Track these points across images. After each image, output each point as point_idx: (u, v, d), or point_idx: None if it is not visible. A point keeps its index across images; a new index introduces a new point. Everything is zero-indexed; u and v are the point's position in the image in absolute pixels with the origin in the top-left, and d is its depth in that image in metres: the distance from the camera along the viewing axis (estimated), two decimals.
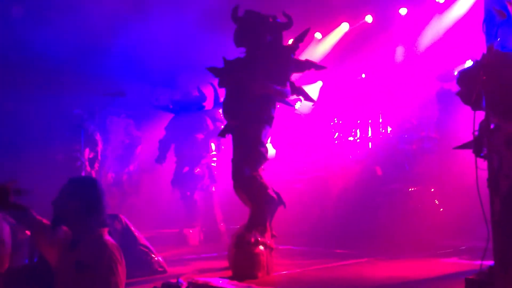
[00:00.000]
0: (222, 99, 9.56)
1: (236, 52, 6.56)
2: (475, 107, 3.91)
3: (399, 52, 11.14)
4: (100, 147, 10.68)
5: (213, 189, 10.17)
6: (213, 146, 10.25)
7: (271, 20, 6.36)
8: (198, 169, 10.02)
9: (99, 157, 10.86)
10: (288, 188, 9.73)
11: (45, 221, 3.20)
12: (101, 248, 3.10)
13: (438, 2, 10.65)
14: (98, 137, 10.57)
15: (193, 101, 10.20)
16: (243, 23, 6.30)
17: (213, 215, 9.97)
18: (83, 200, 3.18)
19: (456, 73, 4.38)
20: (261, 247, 5.99)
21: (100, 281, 3.04)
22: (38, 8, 9.75)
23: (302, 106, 11.36)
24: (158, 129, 12.39)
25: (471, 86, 3.88)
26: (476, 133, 3.91)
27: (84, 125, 7.70)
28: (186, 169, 10.10)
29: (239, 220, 6.76)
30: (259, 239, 5.99)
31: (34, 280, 4.58)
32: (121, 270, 3.12)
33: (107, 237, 3.21)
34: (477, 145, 3.83)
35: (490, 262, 4.30)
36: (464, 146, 4.38)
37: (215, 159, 10.27)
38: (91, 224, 3.19)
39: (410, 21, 11.04)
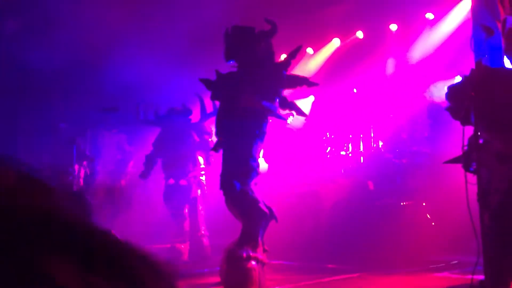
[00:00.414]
0: (208, 111, 9.70)
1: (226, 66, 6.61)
2: (464, 122, 3.96)
3: (390, 64, 11.26)
4: (90, 162, 10.63)
5: (199, 204, 9.97)
6: (201, 159, 10.12)
7: (256, 30, 6.42)
8: (184, 182, 9.87)
9: (88, 172, 10.79)
10: (281, 202, 9.70)
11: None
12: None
13: (428, 18, 10.81)
14: (88, 152, 10.52)
15: (178, 115, 10.10)
16: (230, 38, 6.36)
17: (197, 229, 9.79)
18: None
19: (445, 88, 4.43)
20: (253, 262, 5.96)
21: None
22: (30, 22, 9.80)
23: (294, 120, 11.41)
24: (150, 145, 12.38)
25: (460, 102, 3.94)
26: (465, 148, 3.94)
27: (75, 140, 7.64)
28: (171, 181, 9.97)
29: (231, 235, 6.73)
30: (251, 254, 5.96)
31: None
32: None
33: None
34: (466, 160, 3.86)
35: (481, 277, 4.31)
36: (453, 161, 4.42)
37: (203, 172, 10.14)
38: None
39: (401, 37, 11.19)
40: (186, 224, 9.90)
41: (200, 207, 9.95)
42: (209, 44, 8.99)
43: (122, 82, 10.49)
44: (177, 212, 9.91)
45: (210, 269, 7.76)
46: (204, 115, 9.88)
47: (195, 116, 10.20)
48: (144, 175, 10.15)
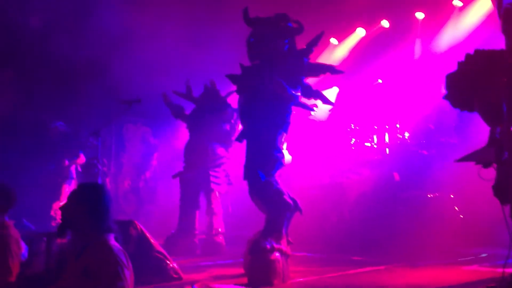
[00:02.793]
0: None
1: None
2: (464, 108, 3.85)
3: (417, 52, 11.02)
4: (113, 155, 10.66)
5: (217, 194, 9.50)
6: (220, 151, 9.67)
7: (282, 25, 6.32)
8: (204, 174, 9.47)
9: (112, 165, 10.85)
10: (305, 195, 9.60)
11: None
12: (107, 253, 3.10)
13: (455, 6, 10.54)
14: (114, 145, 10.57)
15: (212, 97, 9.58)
16: (255, 33, 6.28)
17: (210, 223, 9.36)
18: (88, 206, 3.21)
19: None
20: (277, 254, 5.92)
21: (107, 286, 3.02)
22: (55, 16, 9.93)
23: (318, 111, 11.27)
24: (174, 137, 12.44)
25: (458, 89, 3.85)
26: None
27: (99, 133, 7.68)
28: (187, 171, 9.60)
29: (255, 227, 6.70)
30: (275, 245, 5.92)
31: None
32: (129, 275, 3.10)
33: (113, 242, 3.22)
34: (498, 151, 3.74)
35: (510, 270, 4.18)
36: (466, 159, 4.31)
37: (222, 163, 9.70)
38: (97, 229, 3.20)
39: (427, 25, 10.95)
40: (196, 218, 9.46)
41: (214, 202, 9.42)
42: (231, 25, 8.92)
43: (144, 72, 10.56)
44: (189, 204, 9.49)
45: (234, 260, 7.76)
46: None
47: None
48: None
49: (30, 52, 10.63)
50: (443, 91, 4.41)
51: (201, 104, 9.67)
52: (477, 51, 3.94)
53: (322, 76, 6.65)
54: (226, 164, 9.76)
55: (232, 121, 9.59)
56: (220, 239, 9.33)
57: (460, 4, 10.46)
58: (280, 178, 6.47)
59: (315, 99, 6.49)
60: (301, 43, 6.88)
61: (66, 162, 9.75)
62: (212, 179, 9.45)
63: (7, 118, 10.75)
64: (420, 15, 11.02)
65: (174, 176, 9.78)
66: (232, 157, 9.96)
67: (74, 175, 9.86)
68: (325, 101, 6.51)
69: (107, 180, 10.60)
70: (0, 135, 10.45)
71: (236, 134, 9.11)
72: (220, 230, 9.38)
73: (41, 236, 6.21)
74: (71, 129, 10.01)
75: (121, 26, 10.01)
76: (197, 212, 9.53)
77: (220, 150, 9.57)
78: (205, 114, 9.53)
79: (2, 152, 9.87)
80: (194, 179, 9.44)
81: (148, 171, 12.81)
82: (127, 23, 10.13)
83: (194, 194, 9.49)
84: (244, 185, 6.41)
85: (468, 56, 3.96)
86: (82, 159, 9.84)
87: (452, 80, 4.07)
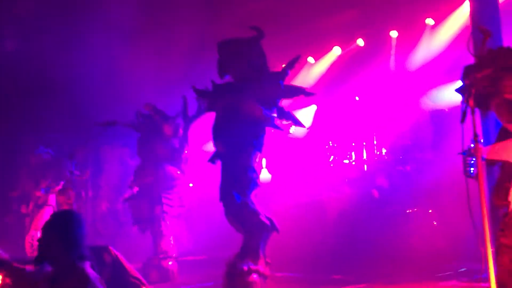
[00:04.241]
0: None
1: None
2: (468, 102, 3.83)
3: (392, 70, 11.17)
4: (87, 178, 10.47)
5: (160, 222, 9.13)
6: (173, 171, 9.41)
7: (245, 38, 6.37)
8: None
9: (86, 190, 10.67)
10: (284, 213, 9.60)
11: (22, 267, 3.26)
12: (83, 281, 3.05)
13: (428, 24, 10.74)
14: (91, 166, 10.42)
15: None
16: (221, 53, 6.31)
17: (157, 251, 9.03)
18: (62, 234, 3.17)
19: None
20: (255, 276, 5.86)
21: None
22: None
23: (296, 130, 11.33)
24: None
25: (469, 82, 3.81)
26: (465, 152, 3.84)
27: (74, 155, 7.60)
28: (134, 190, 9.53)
29: (232, 248, 6.62)
30: (252, 267, 5.86)
31: None
32: None
33: (89, 270, 3.16)
34: (465, 165, 3.76)
35: (488, 285, 4.18)
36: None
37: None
38: (72, 258, 3.16)
39: (401, 43, 11.13)
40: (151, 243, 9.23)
41: (163, 226, 9.10)
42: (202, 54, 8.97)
43: (118, 96, 10.52)
44: (140, 227, 9.32)
45: (215, 282, 7.64)
46: (187, 119, 9.44)
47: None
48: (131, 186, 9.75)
49: (5, 74, 10.52)
50: (459, 82, 4.36)
51: (143, 130, 9.52)
52: (500, 48, 3.92)
53: (296, 98, 6.71)
54: (179, 183, 9.50)
55: (179, 136, 9.41)
56: (169, 264, 8.96)
57: (432, 22, 10.67)
58: (258, 198, 6.44)
59: (287, 120, 6.52)
60: (277, 62, 6.94)
61: (42, 191, 9.55)
62: (164, 200, 9.19)
63: None
64: (394, 34, 11.21)
65: (125, 200, 9.65)
66: (186, 177, 9.72)
67: (53, 203, 9.66)
68: (297, 123, 6.56)
69: (83, 204, 10.40)
70: None
71: (185, 149, 9.06)
72: (169, 253, 9.02)
73: (17, 263, 6.05)
74: (53, 157, 9.82)
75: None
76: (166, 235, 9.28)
77: (172, 171, 9.35)
78: (149, 137, 9.36)
79: None
80: (147, 203, 9.22)
81: (127, 193, 12.65)
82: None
83: (150, 217, 9.21)
84: (219, 205, 6.35)
85: (490, 51, 3.94)
86: (69, 191, 9.59)
87: (470, 73, 4.02)
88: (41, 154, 9.71)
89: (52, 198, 9.61)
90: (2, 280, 5.69)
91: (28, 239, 9.04)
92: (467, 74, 3.99)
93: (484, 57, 3.92)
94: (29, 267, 5.42)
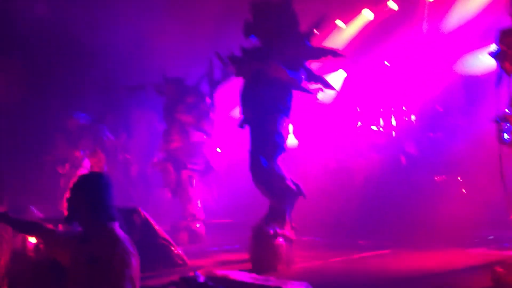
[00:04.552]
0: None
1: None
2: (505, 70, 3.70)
3: (425, 29, 10.81)
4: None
5: (194, 181, 9.42)
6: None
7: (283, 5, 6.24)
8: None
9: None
10: (311, 179, 9.61)
11: (52, 227, 3.34)
12: (113, 241, 3.10)
13: None
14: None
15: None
16: (253, 12, 6.20)
17: (186, 214, 9.31)
18: (90, 196, 3.22)
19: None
20: (281, 239, 5.92)
21: (114, 274, 3.03)
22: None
23: (324, 95, 11.19)
24: None
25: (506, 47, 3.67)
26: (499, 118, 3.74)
27: (105, 119, 7.72)
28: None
29: (258, 212, 6.68)
30: (278, 231, 5.92)
31: (57, 273, 4.63)
32: (135, 263, 3.11)
33: (119, 231, 3.22)
34: (499, 131, 3.67)
35: None
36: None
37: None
38: (101, 219, 3.21)
39: (435, 6, 10.74)
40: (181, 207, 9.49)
41: (190, 190, 9.35)
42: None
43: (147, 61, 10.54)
44: (170, 191, 9.57)
45: (241, 245, 7.78)
46: (213, 83, 9.54)
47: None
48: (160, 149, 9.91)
49: (37, 41, 10.65)
50: (493, 47, 4.20)
51: (168, 95, 9.63)
52: None
53: (324, 60, 6.54)
54: (206, 148, 9.64)
55: (206, 104, 9.44)
56: (197, 226, 9.20)
57: None
58: (286, 163, 6.45)
59: (316, 83, 6.39)
60: (304, 25, 6.79)
61: (81, 152, 9.78)
62: (189, 166, 9.37)
63: (15, 105, 10.81)
64: None
65: (154, 165, 9.79)
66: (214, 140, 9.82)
67: (88, 165, 9.88)
68: (326, 85, 6.44)
69: (132, 167, 10.60)
70: (8, 122, 10.51)
71: (212, 113, 9.05)
72: (197, 216, 9.25)
73: (48, 222, 6.26)
74: (89, 121, 10.00)
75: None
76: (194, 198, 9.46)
77: (198, 136, 9.45)
78: (173, 103, 9.46)
79: (8, 140, 9.93)
80: (174, 168, 9.42)
81: (155, 157, 12.82)
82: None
83: (177, 182, 9.43)
84: (247, 170, 6.38)
85: None
86: (99, 154, 9.80)
87: (506, 37, 3.89)
88: (78, 119, 9.91)
89: (87, 161, 9.86)
90: (37, 239, 5.92)
91: (63, 198, 9.33)
92: (503, 38, 3.85)
93: None
94: (61, 227, 5.61)
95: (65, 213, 3.49)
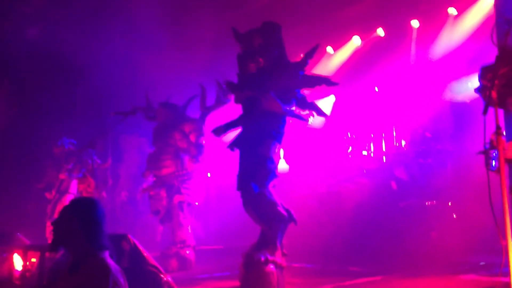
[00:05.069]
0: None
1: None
2: (489, 102, 3.78)
3: (413, 56, 10.99)
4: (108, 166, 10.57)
5: (177, 211, 9.25)
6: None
7: (265, 29, 6.32)
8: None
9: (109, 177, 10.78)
10: (302, 204, 9.58)
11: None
12: (103, 272, 2.99)
13: (450, 14, 10.54)
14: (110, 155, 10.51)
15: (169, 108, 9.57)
16: (243, 43, 6.29)
17: (175, 240, 9.16)
18: (80, 221, 3.09)
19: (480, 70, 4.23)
20: (272, 266, 5.86)
21: None
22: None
23: (315, 120, 11.25)
24: None
25: (488, 81, 3.77)
26: (487, 145, 3.78)
27: (95, 144, 7.67)
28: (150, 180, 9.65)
29: (249, 238, 6.63)
30: (269, 257, 5.86)
31: None
32: None
33: (110, 261, 3.11)
34: (487, 158, 3.69)
35: (508, 279, 4.13)
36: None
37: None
38: (92, 246, 3.09)
39: (423, 33, 10.95)
40: (158, 233, 9.43)
41: (181, 216, 9.21)
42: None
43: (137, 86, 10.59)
44: (158, 218, 9.40)
45: (231, 272, 7.69)
46: (205, 108, 9.51)
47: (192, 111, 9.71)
48: (143, 174, 9.77)
49: (26, 65, 10.66)
50: (476, 83, 4.32)
51: (161, 119, 9.62)
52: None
53: (318, 88, 6.61)
54: (197, 173, 9.61)
55: (196, 132, 9.43)
56: (187, 253, 9.07)
57: (455, 12, 10.46)
58: (276, 188, 6.43)
59: (310, 110, 6.44)
60: (297, 53, 6.88)
61: (64, 177, 9.66)
62: (183, 191, 9.29)
63: (3, 130, 10.74)
64: (415, 23, 11.03)
65: (144, 190, 9.73)
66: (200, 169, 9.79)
67: (74, 191, 9.78)
68: (320, 113, 6.48)
69: (103, 193, 10.50)
70: None
71: (202, 140, 9.07)
72: (187, 242, 9.13)
73: (34, 249, 6.17)
74: (75, 147, 9.92)
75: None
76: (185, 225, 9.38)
77: (191, 162, 9.39)
78: (167, 128, 9.43)
79: None
80: (166, 193, 9.34)
81: (145, 182, 12.77)
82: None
83: (168, 207, 9.33)
84: (237, 194, 6.35)
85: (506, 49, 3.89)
86: (89, 179, 9.68)
87: (487, 73, 3.99)
88: (63, 145, 9.82)
89: (73, 186, 9.74)
90: (24, 266, 5.81)
91: (48, 224, 9.19)
92: (484, 74, 3.95)
93: (500, 56, 3.87)
94: (48, 255, 5.50)
95: (50, 240, 3.35)
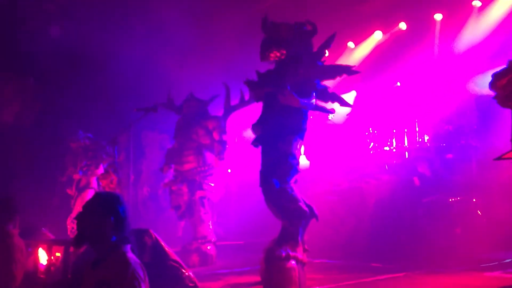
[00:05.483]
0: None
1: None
2: None
3: (437, 50, 10.82)
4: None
5: (198, 207, 9.29)
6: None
7: (296, 28, 6.25)
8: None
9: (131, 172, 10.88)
10: (323, 200, 9.53)
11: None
12: (124, 266, 3.01)
13: (474, 6, 10.34)
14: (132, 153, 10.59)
15: (194, 102, 9.64)
16: (270, 34, 6.23)
17: (196, 236, 9.21)
18: (104, 216, 3.12)
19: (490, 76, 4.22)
20: (293, 262, 5.83)
21: None
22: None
23: (336, 115, 11.18)
24: None
25: (506, 88, 3.73)
26: None
27: (117, 140, 7.73)
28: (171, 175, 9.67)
29: (270, 234, 6.63)
30: (290, 253, 5.84)
31: None
32: None
33: (130, 255, 3.13)
34: None
35: None
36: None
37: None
38: (114, 241, 3.12)
39: (446, 26, 10.76)
40: (180, 229, 9.50)
41: (202, 211, 9.27)
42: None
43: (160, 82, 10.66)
44: (177, 214, 9.46)
45: (251, 267, 7.70)
46: (228, 107, 9.55)
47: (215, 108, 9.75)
48: (162, 168, 9.82)
49: (49, 62, 10.81)
50: (489, 89, 4.30)
51: (185, 114, 9.67)
52: None
53: (338, 78, 6.49)
54: (218, 171, 9.64)
55: (219, 129, 9.44)
56: (208, 248, 9.10)
57: (479, 4, 10.25)
58: (297, 184, 6.39)
59: (332, 102, 6.33)
60: (315, 46, 6.78)
61: (80, 173, 9.77)
62: (204, 186, 9.33)
63: (28, 127, 10.92)
64: (438, 16, 10.84)
65: (165, 185, 9.78)
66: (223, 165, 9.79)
67: (95, 185, 9.89)
68: (343, 103, 6.36)
69: (125, 189, 10.60)
70: (21, 143, 10.60)
71: (224, 138, 9.07)
72: (208, 238, 9.17)
73: (59, 244, 6.26)
74: (93, 141, 10.03)
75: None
76: (206, 220, 9.42)
77: (213, 158, 9.44)
78: (190, 123, 9.48)
79: (22, 160, 10.00)
80: (187, 189, 9.38)
81: (166, 178, 12.85)
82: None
83: (189, 203, 9.39)
84: (259, 190, 6.33)
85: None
86: (101, 170, 9.79)
87: (498, 79, 3.95)
88: (79, 139, 9.93)
89: (93, 181, 9.85)
90: (48, 260, 5.90)
91: (69, 221, 9.32)
92: (496, 81, 3.92)
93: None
94: (72, 250, 5.58)
95: (73, 235, 3.41)
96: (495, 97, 4.14)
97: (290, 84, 6.07)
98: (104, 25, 10.64)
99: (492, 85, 4.01)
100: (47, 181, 10.73)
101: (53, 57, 10.49)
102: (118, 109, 10.66)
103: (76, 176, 9.66)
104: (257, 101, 6.54)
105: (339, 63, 6.84)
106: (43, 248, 6.16)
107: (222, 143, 9.31)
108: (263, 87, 6.36)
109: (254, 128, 6.31)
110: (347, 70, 6.34)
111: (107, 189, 9.11)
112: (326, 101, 6.40)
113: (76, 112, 11.05)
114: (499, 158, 4.58)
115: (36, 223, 7.90)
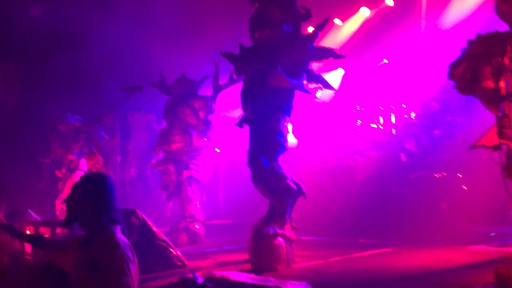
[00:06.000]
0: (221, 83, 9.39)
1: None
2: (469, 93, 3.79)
3: (423, 27, 10.78)
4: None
5: (186, 187, 9.37)
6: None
7: (291, 9, 6.19)
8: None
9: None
10: (311, 178, 9.57)
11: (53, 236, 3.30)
12: (112, 247, 3.01)
13: None
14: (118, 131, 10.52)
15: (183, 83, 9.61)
16: (260, 9, 6.16)
17: (184, 215, 9.31)
18: (92, 197, 3.11)
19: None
20: (281, 239, 5.87)
21: (111, 281, 2.97)
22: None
23: (323, 94, 11.15)
24: None
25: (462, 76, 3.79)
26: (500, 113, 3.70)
27: (102, 120, 7.67)
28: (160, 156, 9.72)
29: (258, 212, 6.64)
30: (278, 231, 5.87)
31: (54, 275, 4.59)
32: (133, 270, 3.04)
33: (119, 235, 3.13)
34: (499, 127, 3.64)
35: None
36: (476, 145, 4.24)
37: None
38: (103, 221, 3.12)
39: (433, 3, 10.71)
40: (168, 209, 9.55)
41: (189, 191, 9.34)
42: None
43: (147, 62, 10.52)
44: (167, 193, 9.56)
45: (240, 245, 7.74)
46: (217, 86, 9.52)
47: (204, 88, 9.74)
48: (154, 149, 9.84)
49: (33, 43, 10.62)
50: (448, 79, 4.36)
51: (174, 94, 9.62)
52: (478, 36, 3.89)
53: (325, 61, 6.50)
54: (206, 149, 9.64)
55: (205, 109, 9.43)
56: (196, 227, 9.15)
57: None
58: (285, 162, 6.39)
59: (317, 83, 6.36)
60: (306, 25, 6.73)
61: (74, 155, 9.69)
62: (191, 166, 9.34)
63: (12, 110, 10.76)
64: None
65: (153, 166, 9.78)
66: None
67: (85, 168, 9.82)
68: (326, 85, 6.39)
69: (111, 170, 10.56)
70: (5, 125, 10.46)
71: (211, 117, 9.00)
72: (196, 217, 9.23)
73: (46, 226, 6.23)
74: (81, 123, 9.93)
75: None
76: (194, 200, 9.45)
77: (200, 138, 9.45)
78: (178, 103, 9.44)
79: (7, 143, 9.88)
80: (175, 169, 9.39)
81: (154, 158, 12.80)
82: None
83: (177, 183, 9.41)
84: (247, 169, 6.32)
85: (469, 41, 3.90)
86: (97, 156, 9.71)
87: (455, 69, 3.99)
88: (68, 121, 9.82)
89: (83, 163, 9.78)
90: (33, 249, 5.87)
91: (58, 202, 9.27)
92: (453, 71, 3.96)
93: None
94: (59, 231, 5.55)
95: (62, 216, 3.41)
96: (455, 87, 4.18)
97: (280, 65, 6.03)
98: (87, 4, 10.45)
99: (450, 75, 4.06)
100: (32, 163, 10.63)
101: (35, 38, 10.31)
102: (103, 90, 10.53)
103: (71, 157, 9.58)
104: (239, 75, 6.49)
105: (325, 46, 6.81)
106: (30, 230, 6.13)
107: (206, 122, 9.30)
108: (250, 63, 6.29)
109: (244, 106, 6.26)
110: (333, 54, 6.38)
111: (94, 170, 9.07)
112: (311, 83, 6.43)
113: (60, 93, 10.90)
114: (472, 147, 4.67)
115: (22, 205, 7.85)
